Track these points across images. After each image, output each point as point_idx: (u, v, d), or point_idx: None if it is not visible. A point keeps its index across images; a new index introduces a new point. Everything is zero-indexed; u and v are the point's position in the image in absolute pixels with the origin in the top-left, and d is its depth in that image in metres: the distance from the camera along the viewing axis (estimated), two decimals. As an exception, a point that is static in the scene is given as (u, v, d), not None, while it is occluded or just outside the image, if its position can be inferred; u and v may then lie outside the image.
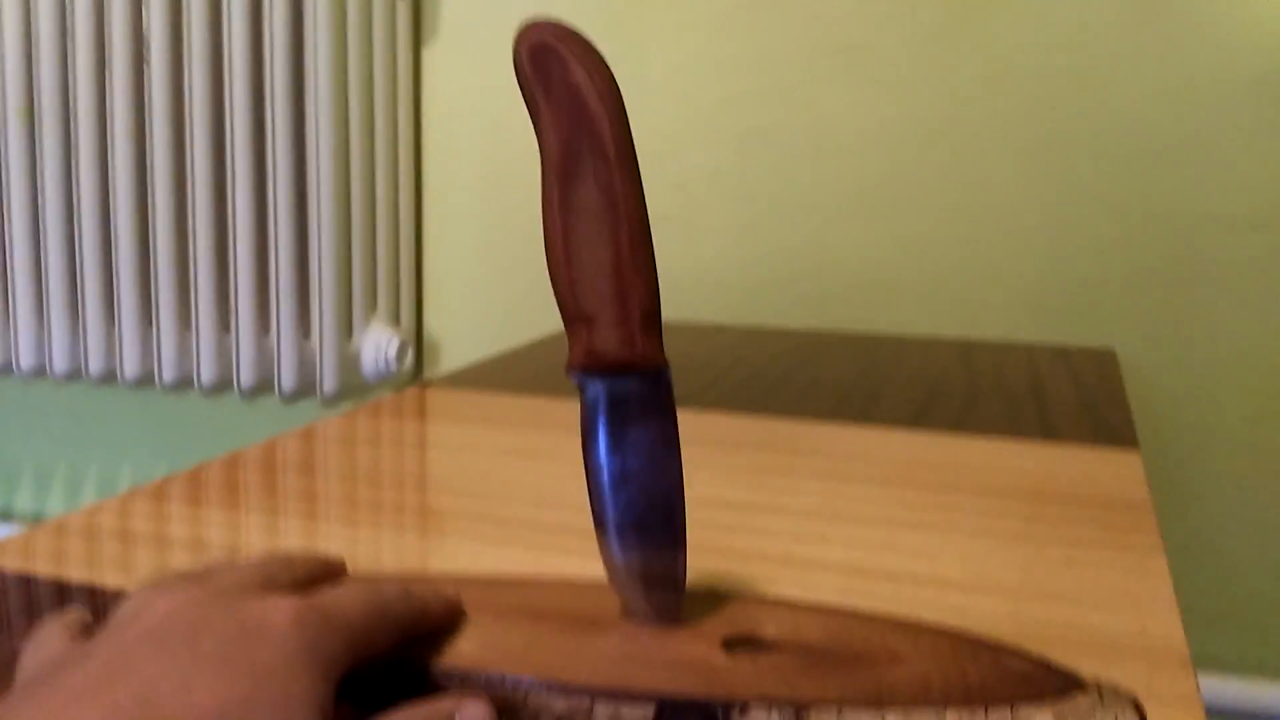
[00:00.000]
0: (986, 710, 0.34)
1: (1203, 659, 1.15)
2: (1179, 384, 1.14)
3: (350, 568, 0.40)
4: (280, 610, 0.30)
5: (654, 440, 0.37)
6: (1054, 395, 0.85)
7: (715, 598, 0.41)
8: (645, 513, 0.38)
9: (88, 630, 0.33)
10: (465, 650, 0.36)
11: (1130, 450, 0.68)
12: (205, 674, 0.27)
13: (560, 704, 0.34)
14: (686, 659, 0.36)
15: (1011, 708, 0.34)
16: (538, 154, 0.36)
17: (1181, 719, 0.36)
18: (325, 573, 0.36)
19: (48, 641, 0.32)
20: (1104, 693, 0.36)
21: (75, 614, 0.34)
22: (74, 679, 0.27)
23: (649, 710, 0.34)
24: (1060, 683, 0.36)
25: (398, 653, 0.36)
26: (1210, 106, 1.11)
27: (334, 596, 0.33)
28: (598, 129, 0.35)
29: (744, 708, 0.33)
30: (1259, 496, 1.14)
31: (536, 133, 0.36)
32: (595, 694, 0.34)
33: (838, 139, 1.22)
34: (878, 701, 0.34)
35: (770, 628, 0.39)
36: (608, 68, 0.36)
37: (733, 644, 0.37)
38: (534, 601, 0.41)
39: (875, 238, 1.22)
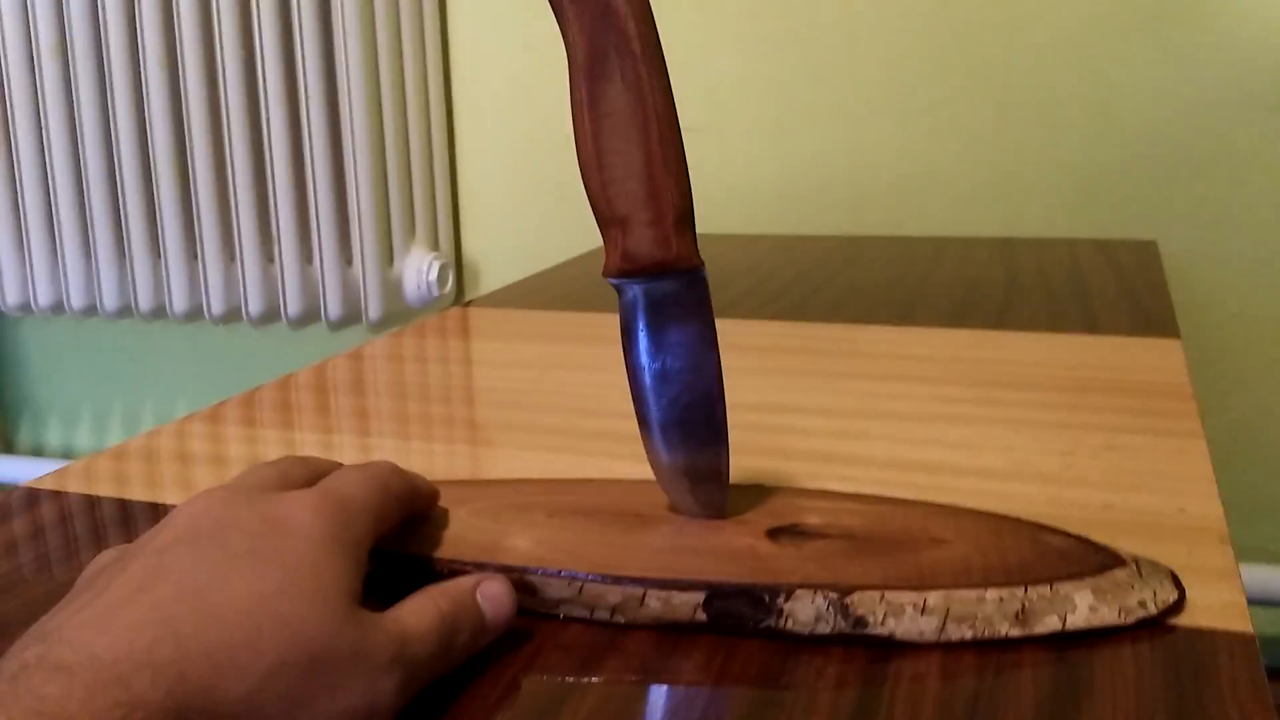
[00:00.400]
0: (1026, 588, 0.35)
1: (1250, 550, 1.15)
2: (1222, 274, 1.13)
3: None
4: (299, 502, 0.32)
5: (693, 339, 0.38)
6: (1094, 288, 0.85)
7: (759, 492, 0.42)
8: (687, 410, 0.39)
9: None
10: (522, 548, 0.38)
11: (1170, 338, 0.68)
12: (239, 568, 0.29)
13: (615, 595, 0.36)
14: (733, 548, 0.38)
15: (1051, 584, 0.35)
16: (566, 73, 0.37)
17: (1220, 590, 0.37)
18: (329, 469, 0.38)
19: (97, 563, 0.33)
20: (1142, 567, 0.37)
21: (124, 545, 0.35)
22: (116, 585, 0.28)
23: (699, 597, 0.35)
24: (1099, 559, 0.37)
25: (423, 550, 0.37)
26: (1254, -12, 1.08)
27: (341, 482, 0.34)
28: (623, 26, 0.35)
29: (790, 592, 0.35)
30: (1307, 385, 1.13)
31: (562, 33, 0.36)
32: (647, 584, 0.35)
33: (867, 38, 1.20)
34: (920, 583, 0.35)
35: (813, 517, 0.40)
36: None
37: (777, 534, 0.39)
38: (585, 500, 0.42)
39: (910, 138, 1.21)
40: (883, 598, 0.34)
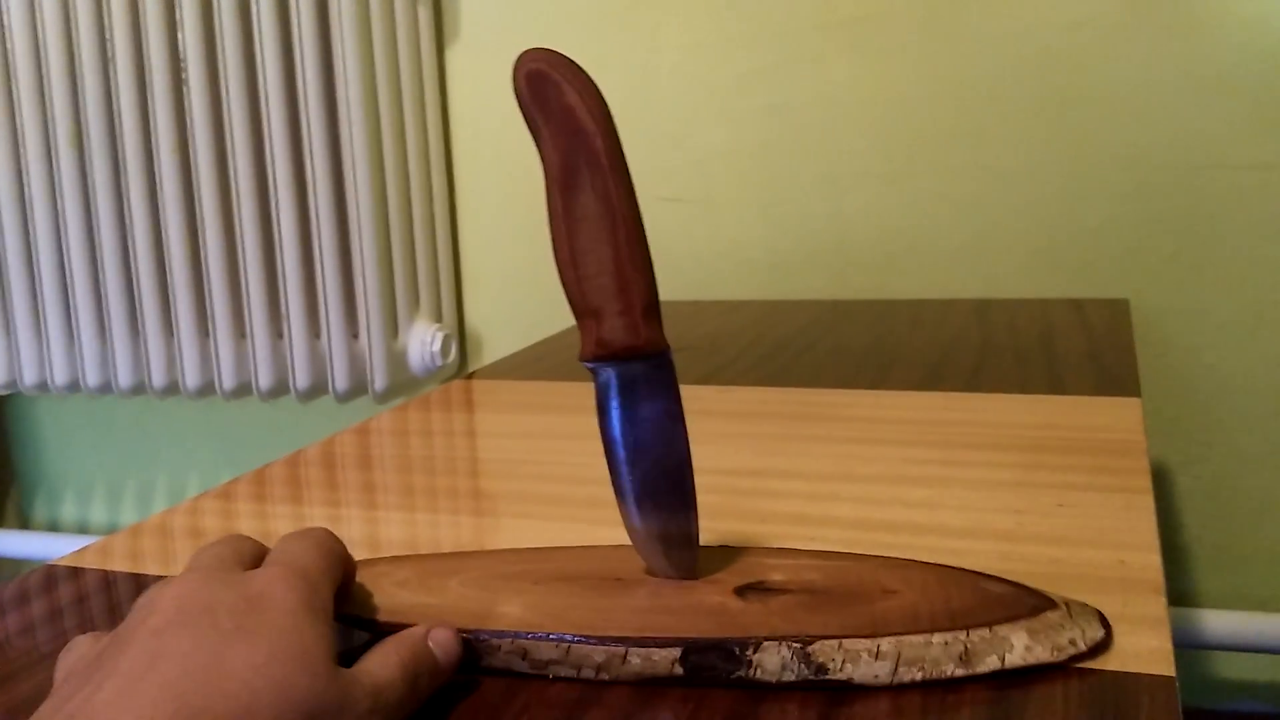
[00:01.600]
0: (968, 631, 0.39)
1: (1230, 597, 1.18)
2: (1197, 328, 1.17)
3: (406, 549, 0.45)
4: (270, 579, 0.36)
5: (661, 416, 0.42)
6: (1062, 348, 0.89)
7: (727, 553, 0.46)
8: (658, 480, 0.43)
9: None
10: (513, 614, 0.41)
11: (1131, 397, 0.72)
12: (232, 643, 0.32)
13: (599, 654, 0.39)
14: (705, 607, 0.41)
15: (990, 627, 0.39)
16: None
17: (1149, 637, 0.41)
18: (260, 546, 0.41)
19: (75, 648, 0.36)
20: (1072, 608, 0.40)
21: (97, 632, 0.38)
22: (123, 667, 0.31)
23: (676, 653, 0.39)
24: (1034, 602, 0.40)
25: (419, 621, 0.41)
26: (1216, 49, 1.13)
27: (294, 554, 0.38)
28: (592, 144, 0.40)
29: (758, 645, 0.38)
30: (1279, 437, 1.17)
31: (539, 150, 0.41)
32: (629, 644, 0.39)
33: (849, 110, 1.25)
34: (873, 631, 0.39)
35: (777, 574, 0.43)
36: (596, 88, 0.41)
37: (745, 591, 0.42)
38: (567, 567, 0.46)
39: (891, 205, 1.26)
40: (840, 646, 0.38)
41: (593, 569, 0.45)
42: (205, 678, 0.31)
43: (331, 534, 0.41)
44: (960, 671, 0.38)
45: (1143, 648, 0.40)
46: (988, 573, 0.44)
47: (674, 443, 0.42)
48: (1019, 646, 0.38)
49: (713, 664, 0.38)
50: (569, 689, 0.39)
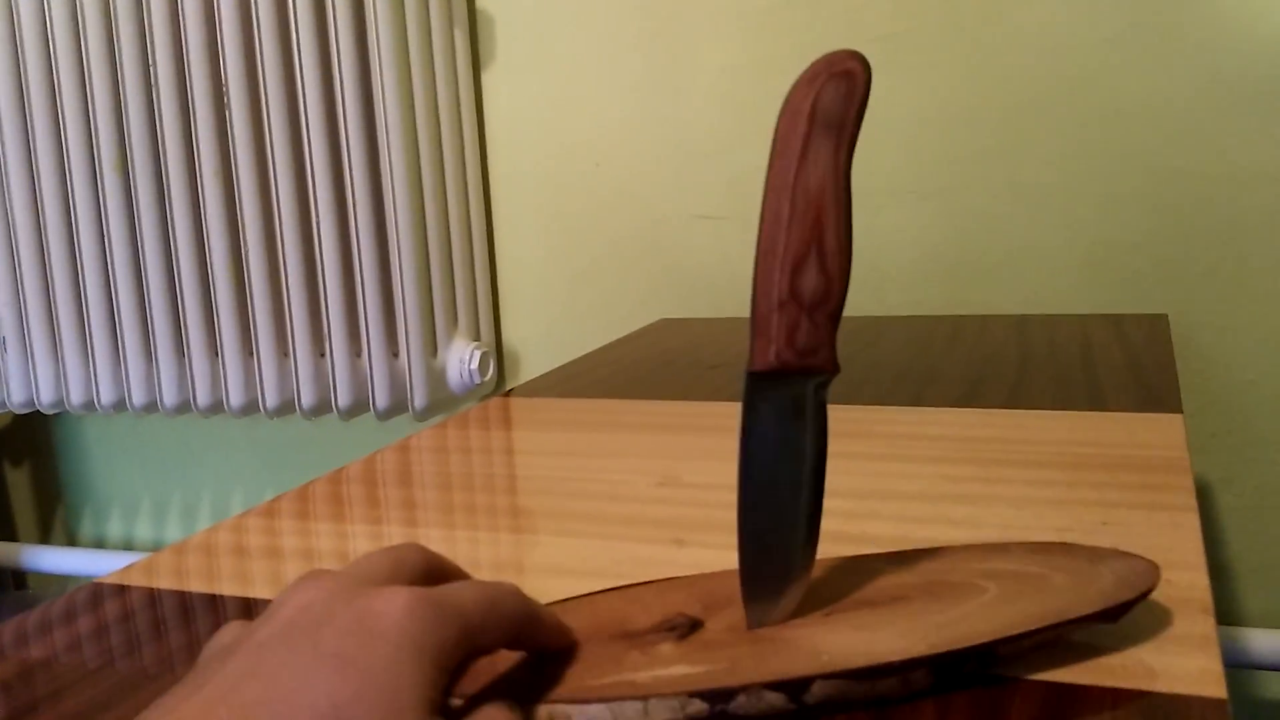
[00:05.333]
0: None
1: (1276, 616, 1.16)
2: (1236, 343, 1.16)
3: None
4: (394, 600, 0.31)
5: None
6: (1102, 364, 0.88)
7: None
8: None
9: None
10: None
11: (1173, 413, 0.71)
12: (322, 672, 0.29)
13: None
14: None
15: None
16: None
17: (1198, 659, 0.40)
18: (451, 571, 0.37)
19: (221, 637, 0.34)
20: None
21: (245, 621, 0.36)
22: (215, 681, 0.29)
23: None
24: None
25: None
26: (1254, 62, 1.12)
27: (449, 587, 0.34)
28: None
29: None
30: (1332, 449, 1.15)
31: None
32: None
33: (883, 127, 1.25)
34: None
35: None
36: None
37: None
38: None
39: (926, 221, 1.25)
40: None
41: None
42: (281, 707, 0.28)
43: (518, 595, 0.36)
44: None
45: (1192, 668, 0.39)
46: None
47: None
48: None
49: None
50: None
